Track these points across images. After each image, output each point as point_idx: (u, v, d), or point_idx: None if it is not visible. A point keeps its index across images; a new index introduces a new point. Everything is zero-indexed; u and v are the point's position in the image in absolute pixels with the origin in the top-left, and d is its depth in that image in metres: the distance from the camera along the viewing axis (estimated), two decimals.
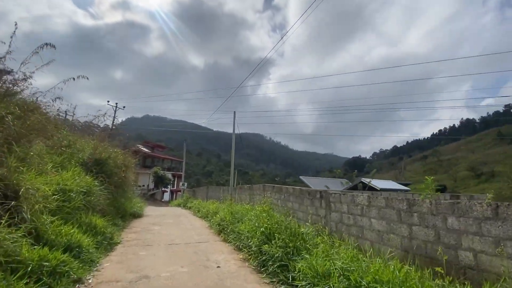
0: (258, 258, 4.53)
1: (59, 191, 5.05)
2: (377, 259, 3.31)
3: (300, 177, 38.51)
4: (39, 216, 3.88)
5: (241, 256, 5.09)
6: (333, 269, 3.25)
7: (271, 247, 4.37)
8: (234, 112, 14.92)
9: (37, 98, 6.53)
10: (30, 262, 2.92)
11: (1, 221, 2.92)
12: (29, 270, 2.85)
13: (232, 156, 14.30)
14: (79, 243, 4.19)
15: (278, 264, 3.98)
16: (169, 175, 39.09)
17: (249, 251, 5.03)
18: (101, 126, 11.26)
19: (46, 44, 5.44)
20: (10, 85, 5.45)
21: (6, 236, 2.86)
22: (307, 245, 4.28)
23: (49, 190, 4.65)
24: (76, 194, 5.51)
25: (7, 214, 3.25)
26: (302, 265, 3.58)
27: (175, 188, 43.21)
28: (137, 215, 10.58)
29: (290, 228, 4.83)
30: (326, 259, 3.55)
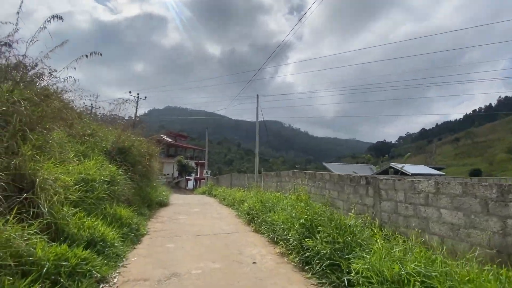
0: (300, 254, 3.94)
1: (81, 180, 4.74)
2: (468, 262, 2.55)
3: (323, 163, 37.34)
4: (58, 208, 3.54)
5: (277, 250, 4.54)
6: (404, 274, 2.56)
7: (316, 241, 3.75)
8: (257, 95, 14.16)
9: (57, 87, 6.28)
10: (45, 263, 2.53)
11: (9, 217, 2.53)
12: (44, 272, 2.46)
13: (257, 141, 13.69)
14: (103, 237, 3.83)
15: (327, 262, 3.36)
16: (192, 163, 39.67)
17: (286, 244, 4.47)
18: (125, 117, 11.11)
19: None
20: (35, 78, 5.20)
21: (17, 233, 2.47)
22: (359, 241, 3.61)
23: (70, 180, 4.33)
24: (99, 184, 5.20)
25: (20, 208, 2.88)
26: (359, 266, 2.93)
27: (198, 176, 43.93)
28: (163, 204, 10.44)
29: (333, 220, 4.17)
30: (390, 259, 2.86)
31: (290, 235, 4.40)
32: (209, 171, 27.75)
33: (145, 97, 32.41)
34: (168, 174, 35.33)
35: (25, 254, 2.44)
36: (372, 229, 4.09)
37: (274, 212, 5.96)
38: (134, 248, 4.62)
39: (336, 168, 29.23)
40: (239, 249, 4.71)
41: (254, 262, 4.03)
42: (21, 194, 2.99)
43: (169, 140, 42.10)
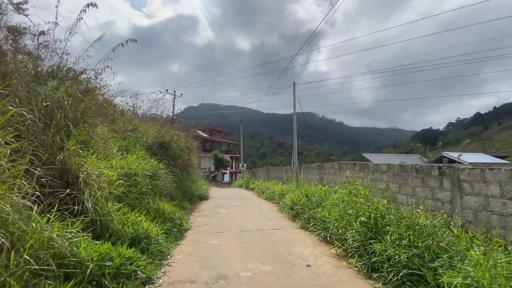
0: (364, 258, 3.35)
1: (124, 175, 4.68)
2: None
3: (364, 154, 35.03)
4: (103, 204, 3.42)
5: (333, 251, 3.98)
6: None
7: (385, 244, 3.12)
8: (294, 83, 13.37)
9: (98, 83, 6.43)
10: (89, 263, 2.33)
11: (50, 215, 2.38)
12: (87, 274, 2.26)
13: (295, 131, 13.02)
14: (147, 233, 3.66)
15: (404, 271, 2.73)
16: (227, 157, 40.30)
17: (344, 245, 3.89)
18: (163, 115, 11.30)
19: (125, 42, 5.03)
20: (79, 75, 5.33)
21: (60, 232, 2.30)
22: (443, 245, 2.89)
23: (114, 174, 4.26)
24: (142, 178, 5.13)
25: (63, 204, 2.76)
26: (456, 281, 2.26)
27: (233, 169, 44.60)
28: (203, 197, 10.45)
29: (403, 218, 3.47)
30: (503, 274, 2.15)
31: (348, 234, 3.80)
32: (245, 165, 27.77)
33: (181, 94, 33.45)
34: (205, 168, 36.35)
35: (68, 254, 2.26)
36: (451, 230, 3.32)
37: (323, 207, 5.38)
38: (178, 244, 4.43)
39: (378, 159, 27.18)
40: (288, 248, 4.25)
41: (308, 265, 3.54)
42: (64, 190, 2.86)
43: (205, 135, 43.25)
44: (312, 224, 5.16)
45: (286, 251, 4.11)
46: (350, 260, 3.60)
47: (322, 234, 4.64)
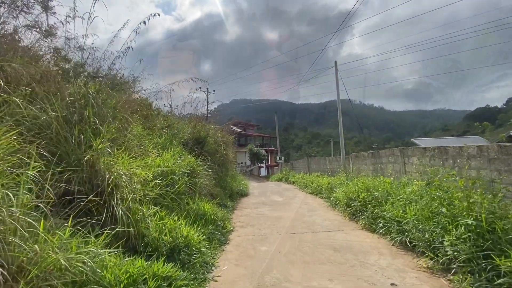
0: (478, 277, 2.37)
1: (160, 174, 4.25)
2: None
3: (412, 139, 31.71)
4: (136, 208, 2.95)
5: (422, 264, 3.03)
6: None
7: None
8: (335, 62, 11.96)
9: (129, 79, 6.23)
10: None
11: (69, 225, 1.89)
12: None
13: (340, 116, 11.68)
14: (187, 242, 3.12)
15: None
16: (262, 151, 39.86)
17: (436, 255, 2.92)
18: (197, 112, 11.05)
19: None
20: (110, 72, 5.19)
21: (81, 250, 1.80)
22: None
23: (149, 174, 3.82)
24: (179, 177, 4.68)
25: (89, 211, 2.29)
26: None
27: (269, 163, 44.09)
28: (243, 194, 9.96)
29: None
30: None
31: (445, 243, 2.82)
32: (282, 157, 26.97)
33: (214, 91, 33.64)
34: (241, 163, 36.39)
35: (90, 279, 1.75)
36: None
37: (391, 204, 4.38)
38: (223, 251, 3.86)
39: (431, 144, 24.21)
40: (356, 257, 3.40)
41: (393, 284, 2.67)
42: (85, 197, 2.40)
43: (239, 130, 43.31)
44: (380, 225, 4.21)
45: (356, 261, 3.27)
46: (452, 278, 2.64)
47: (398, 238, 3.67)
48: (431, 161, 5.16)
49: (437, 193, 3.56)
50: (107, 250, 2.03)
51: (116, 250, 2.16)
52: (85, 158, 2.91)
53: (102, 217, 2.43)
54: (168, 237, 2.97)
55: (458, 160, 4.52)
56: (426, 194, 3.79)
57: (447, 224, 2.94)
